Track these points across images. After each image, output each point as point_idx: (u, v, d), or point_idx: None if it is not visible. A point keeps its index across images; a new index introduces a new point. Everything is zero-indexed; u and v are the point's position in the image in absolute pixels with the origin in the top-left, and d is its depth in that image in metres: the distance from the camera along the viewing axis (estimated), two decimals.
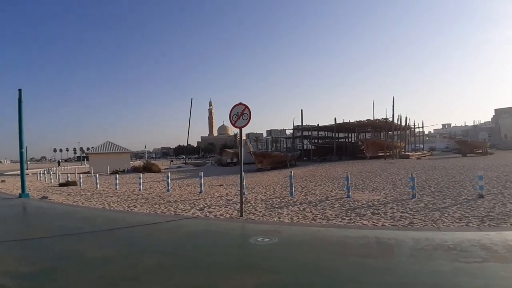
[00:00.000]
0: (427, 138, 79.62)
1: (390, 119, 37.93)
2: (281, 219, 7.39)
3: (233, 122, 8.01)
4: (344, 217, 7.43)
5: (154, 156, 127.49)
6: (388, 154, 35.49)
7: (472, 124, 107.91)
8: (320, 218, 7.38)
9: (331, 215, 7.77)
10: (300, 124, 44.54)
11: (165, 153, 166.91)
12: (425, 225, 6.45)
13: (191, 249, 5.17)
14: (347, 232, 5.78)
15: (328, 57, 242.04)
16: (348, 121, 41.12)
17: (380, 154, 36.53)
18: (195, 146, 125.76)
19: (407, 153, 40.67)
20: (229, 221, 7.45)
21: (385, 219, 7.21)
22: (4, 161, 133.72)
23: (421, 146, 52.23)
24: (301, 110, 43.08)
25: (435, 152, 56.92)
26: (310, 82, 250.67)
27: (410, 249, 4.65)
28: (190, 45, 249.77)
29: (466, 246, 4.65)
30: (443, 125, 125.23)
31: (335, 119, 40.19)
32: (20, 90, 14.16)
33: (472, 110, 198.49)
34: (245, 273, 4.01)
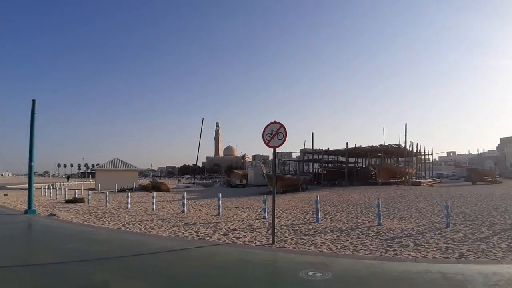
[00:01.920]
0: (434, 165, 78.72)
1: (403, 145, 37.41)
2: (319, 249, 6.77)
3: (267, 141, 7.52)
4: (388, 248, 6.82)
5: (159, 175, 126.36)
6: (400, 180, 34.69)
7: (476, 152, 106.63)
8: (362, 249, 6.76)
9: (371, 245, 7.15)
10: (310, 147, 44.13)
11: (170, 172, 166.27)
12: (479, 258, 6.06)
13: (236, 284, 4.51)
14: (404, 266, 5.16)
15: (338, 84, 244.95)
16: (360, 145, 40.56)
17: (391, 180, 35.71)
18: (200, 166, 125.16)
19: (418, 180, 39.73)
20: (262, 249, 6.82)
21: (432, 250, 6.68)
22: (6, 174, 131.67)
23: (423, 173, 50.76)
24: (312, 133, 43.83)
25: (444, 179, 56.04)
26: (318, 106, 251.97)
27: (484, 286, 4.19)
28: (198, 67, 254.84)
29: None
30: (448, 153, 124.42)
31: (347, 144, 39.67)
32: (33, 101, 13.59)
33: (476, 139, 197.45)
34: None
